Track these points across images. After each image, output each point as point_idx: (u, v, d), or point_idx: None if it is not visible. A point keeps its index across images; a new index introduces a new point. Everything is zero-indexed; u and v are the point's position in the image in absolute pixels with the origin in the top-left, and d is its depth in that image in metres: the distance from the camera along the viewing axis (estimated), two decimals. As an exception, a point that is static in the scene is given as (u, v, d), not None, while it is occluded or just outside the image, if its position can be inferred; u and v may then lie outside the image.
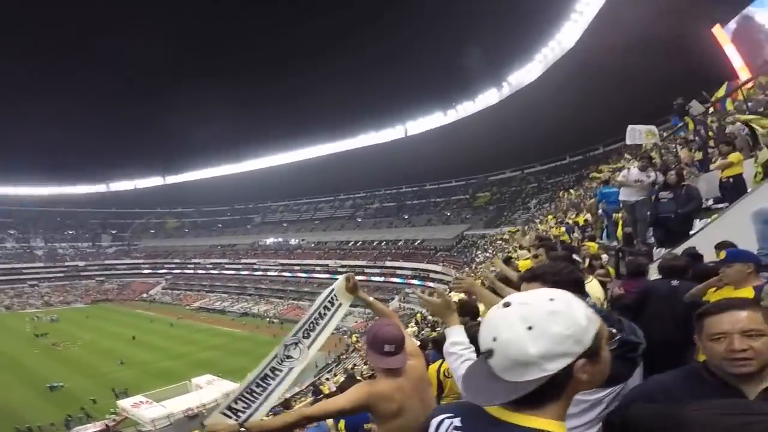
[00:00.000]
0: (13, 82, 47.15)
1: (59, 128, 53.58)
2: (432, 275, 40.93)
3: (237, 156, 59.85)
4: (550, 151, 43.24)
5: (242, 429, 1.71)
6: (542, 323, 0.69)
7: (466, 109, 43.18)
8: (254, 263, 57.93)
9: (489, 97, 40.60)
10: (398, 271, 45.15)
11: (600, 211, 8.93)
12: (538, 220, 26.68)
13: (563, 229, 12.66)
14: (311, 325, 2.20)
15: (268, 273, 55.77)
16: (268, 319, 42.59)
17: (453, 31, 36.44)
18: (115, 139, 58.43)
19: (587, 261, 5.07)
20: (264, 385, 2.00)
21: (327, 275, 50.18)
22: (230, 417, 1.88)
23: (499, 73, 37.60)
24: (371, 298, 2.34)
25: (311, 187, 63.83)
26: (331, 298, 2.26)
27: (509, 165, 49.57)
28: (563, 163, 44.70)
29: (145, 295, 58.45)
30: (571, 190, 24.96)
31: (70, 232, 73.30)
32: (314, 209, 69.23)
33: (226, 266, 60.30)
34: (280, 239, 62.33)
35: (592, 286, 2.93)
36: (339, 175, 57.73)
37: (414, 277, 43.17)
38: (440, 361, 3.55)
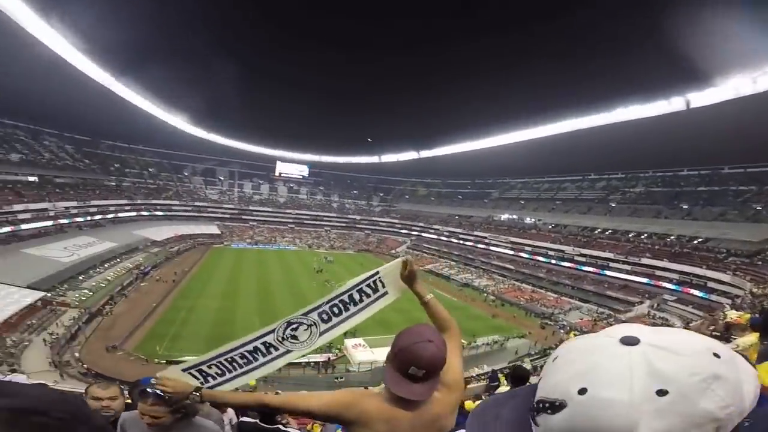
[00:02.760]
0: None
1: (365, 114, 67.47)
2: (712, 284, 30.15)
3: (479, 134, 60.12)
4: None
5: (196, 393, 1.50)
6: (688, 390, 0.41)
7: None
8: (485, 237, 58.04)
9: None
10: (658, 272, 35.49)
11: None
12: None
13: None
14: (337, 308, 1.85)
15: (497, 249, 54.87)
16: (485, 295, 41.89)
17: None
18: (385, 123, 68.00)
19: None
20: (250, 358, 1.73)
21: (565, 263, 45.08)
22: (196, 378, 1.68)
23: None
24: (431, 296, 1.77)
25: (555, 164, 58.24)
26: (375, 282, 1.88)
27: None
28: None
29: (393, 251, 67.96)
30: None
31: (354, 192, 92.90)
32: (557, 188, 63.04)
33: (460, 236, 62.84)
34: (515, 216, 59.99)
35: None
36: (589, 154, 49.72)
37: (682, 283, 32.97)
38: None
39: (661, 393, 0.39)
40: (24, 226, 36.37)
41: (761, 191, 38.28)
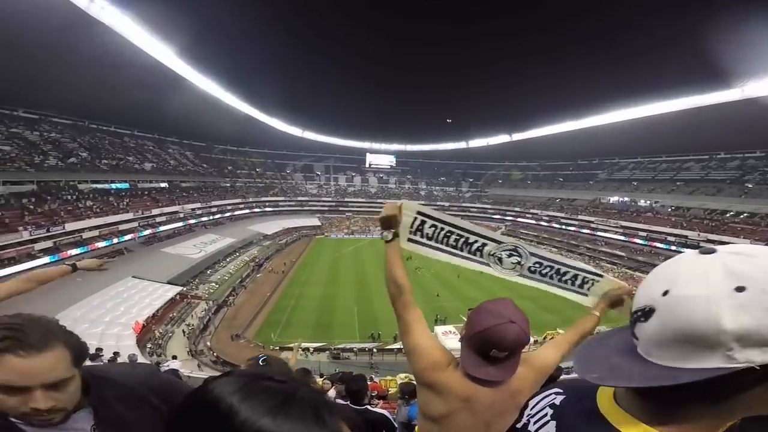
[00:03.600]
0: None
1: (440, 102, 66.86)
2: None
3: (581, 113, 54.70)
4: None
5: (389, 234, 1.68)
6: (767, 285, 0.41)
7: None
8: (592, 221, 53.29)
9: None
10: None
11: None
12: None
13: None
14: (548, 269, 1.83)
15: (605, 234, 50.22)
16: (591, 283, 38.78)
17: None
18: (472, 108, 65.33)
19: None
20: (459, 245, 1.77)
21: (689, 250, 39.46)
22: (413, 225, 1.72)
23: None
24: (598, 314, 1.69)
25: (673, 142, 51.34)
26: (588, 280, 1.81)
27: None
28: None
29: (489, 237, 66.35)
30: None
31: (442, 179, 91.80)
32: (678, 168, 54.95)
33: (562, 220, 58.74)
34: (626, 199, 53.80)
35: None
36: (716, 131, 42.65)
37: None
38: None
39: (740, 289, 0.40)
40: (161, 228, 42.44)
41: None
